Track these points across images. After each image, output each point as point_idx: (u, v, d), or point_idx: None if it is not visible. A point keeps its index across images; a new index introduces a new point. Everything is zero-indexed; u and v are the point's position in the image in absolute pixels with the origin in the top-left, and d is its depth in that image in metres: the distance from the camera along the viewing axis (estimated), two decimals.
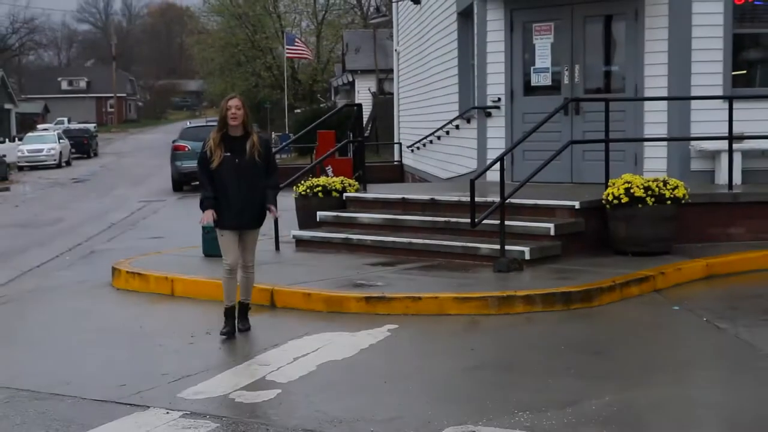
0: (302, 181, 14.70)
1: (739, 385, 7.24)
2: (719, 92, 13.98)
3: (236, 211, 8.50)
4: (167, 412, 6.75)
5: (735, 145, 13.16)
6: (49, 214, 25.77)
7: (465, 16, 17.09)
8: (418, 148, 22.49)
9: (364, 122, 33.02)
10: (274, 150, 19.94)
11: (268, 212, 8.94)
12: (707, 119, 13.85)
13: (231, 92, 56.73)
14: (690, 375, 7.64)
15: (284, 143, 29.45)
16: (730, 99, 13.18)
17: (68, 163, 53.65)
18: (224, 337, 8.69)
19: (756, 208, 12.84)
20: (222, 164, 8.35)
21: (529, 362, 8.00)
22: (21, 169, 49.18)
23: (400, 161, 26.12)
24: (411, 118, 25.20)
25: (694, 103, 14.02)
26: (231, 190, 8.45)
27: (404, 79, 26.76)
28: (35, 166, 50.20)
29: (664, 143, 14.12)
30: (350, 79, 50.91)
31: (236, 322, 8.89)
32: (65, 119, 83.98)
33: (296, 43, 46.02)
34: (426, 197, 13.70)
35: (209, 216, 8.61)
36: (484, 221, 11.60)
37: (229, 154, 8.35)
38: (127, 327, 10.15)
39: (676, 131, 14.03)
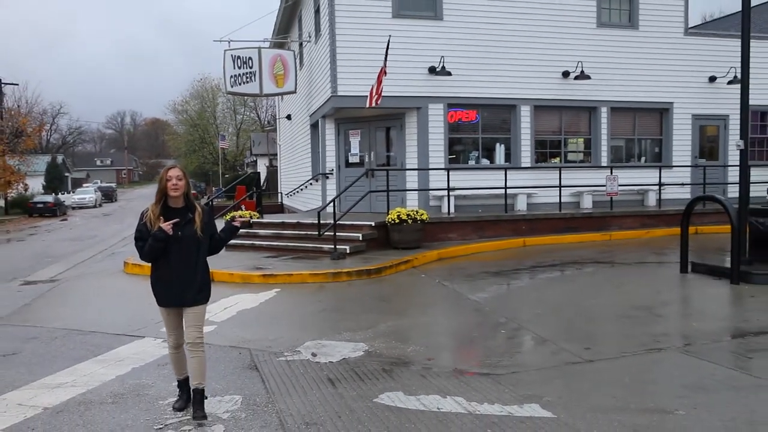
0: (229, 213, 14.35)
1: (454, 315, 7.47)
2: (442, 166, 14.40)
3: (177, 287, 4.36)
4: (155, 339, 6.58)
5: (450, 193, 13.61)
6: (89, 233, 24.06)
7: (314, 126, 17.01)
8: (291, 194, 22.15)
9: (262, 181, 32.80)
10: (213, 197, 18.92)
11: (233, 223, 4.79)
12: (437, 179, 14.16)
13: (190, 166, 55.79)
14: (429, 310, 7.80)
15: (219, 192, 30.11)
16: (447, 170, 13.60)
17: (100, 205, 50.83)
18: (177, 411, 4.51)
19: (461, 224, 13.26)
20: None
21: (349, 307, 7.99)
22: (73, 209, 46.16)
23: (282, 202, 25.69)
24: (287, 179, 24.80)
25: (431, 172, 14.34)
26: (171, 266, 4.34)
27: (283, 158, 26.44)
28: (81, 207, 47.37)
29: (416, 192, 14.36)
30: (255, 159, 49.77)
31: (192, 402, 4.48)
32: (98, 181, 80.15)
33: (223, 140, 45.21)
34: (295, 221, 13.49)
35: (169, 226, 4.21)
36: (325, 233, 11.61)
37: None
38: (131, 294, 9.68)
39: (423, 185, 14.32)
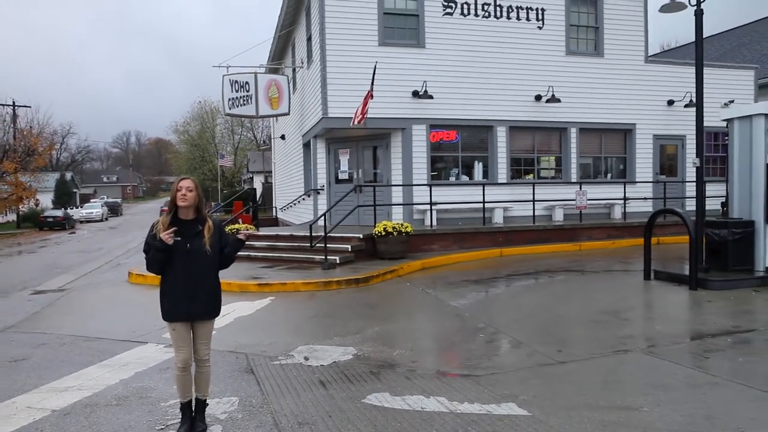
0: (227, 226, 14.22)
1: (436, 320, 7.45)
2: (425, 182, 14.40)
3: (186, 300, 3.93)
4: (157, 345, 6.50)
5: (433, 207, 13.63)
6: (95, 245, 23.74)
7: (307, 145, 17.02)
8: (285, 209, 22.08)
9: (258, 197, 32.76)
10: (212, 211, 18.75)
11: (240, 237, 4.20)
12: (420, 195, 14.16)
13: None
14: (414, 316, 7.77)
15: (218, 207, 30.08)
16: (430, 186, 13.62)
17: (107, 219, 50.20)
18: None
19: (443, 236, 13.25)
20: (172, 250, 3.88)
21: (339, 313, 7.95)
22: (81, 222, 45.59)
23: (276, 216, 25.61)
24: (281, 194, 24.76)
25: (414, 187, 14.32)
26: (180, 278, 3.91)
27: (278, 175, 26.35)
28: (89, 221, 46.74)
29: (401, 206, 14.31)
30: (251, 176, 49.56)
31: (194, 412, 4.16)
32: (105, 196, 79.47)
33: (223, 158, 45.04)
34: (288, 233, 13.42)
35: (167, 236, 3.81)
36: (317, 245, 11.57)
37: (179, 238, 3.87)
38: (135, 302, 9.56)
39: (407, 200, 14.30)
